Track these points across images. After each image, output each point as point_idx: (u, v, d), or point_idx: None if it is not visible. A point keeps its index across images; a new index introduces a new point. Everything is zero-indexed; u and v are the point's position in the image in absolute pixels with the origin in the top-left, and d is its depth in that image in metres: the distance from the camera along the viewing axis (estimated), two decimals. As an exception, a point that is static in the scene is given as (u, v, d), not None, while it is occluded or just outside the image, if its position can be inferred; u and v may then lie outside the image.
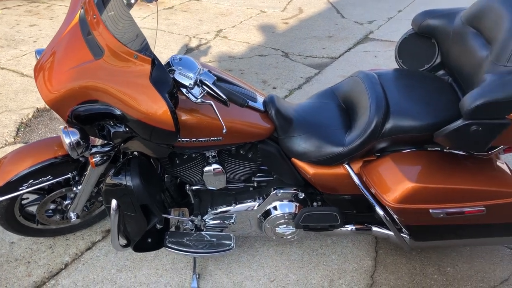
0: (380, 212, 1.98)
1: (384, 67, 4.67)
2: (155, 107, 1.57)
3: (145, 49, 1.62)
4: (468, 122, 1.67)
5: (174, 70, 1.72)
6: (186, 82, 1.70)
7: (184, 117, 1.78)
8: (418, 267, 2.33)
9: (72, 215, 2.26)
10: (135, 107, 1.59)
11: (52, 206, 2.29)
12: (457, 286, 2.23)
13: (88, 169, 2.06)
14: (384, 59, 4.92)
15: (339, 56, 5.00)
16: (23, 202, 2.26)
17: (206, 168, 2.04)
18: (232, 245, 2.17)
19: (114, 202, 1.89)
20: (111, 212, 1.90)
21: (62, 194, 2.26)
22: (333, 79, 4.43)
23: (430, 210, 1.88)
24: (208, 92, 1.70)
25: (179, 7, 6.66)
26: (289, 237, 2.25)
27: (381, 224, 2.20)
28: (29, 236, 2.42)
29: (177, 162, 2.06)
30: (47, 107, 3.71)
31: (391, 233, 2.16)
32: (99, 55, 1.63)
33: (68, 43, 1.74)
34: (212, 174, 2.04)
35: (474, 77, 1.82)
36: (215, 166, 2.03)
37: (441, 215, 1.89)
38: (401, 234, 2.11)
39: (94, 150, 1.85)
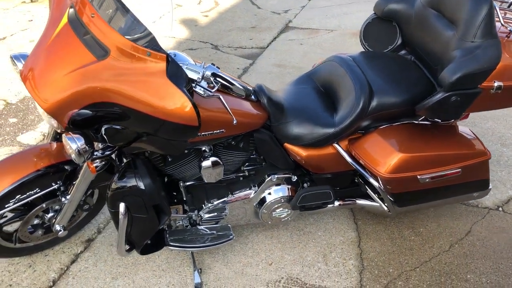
0: (375, 183, 2.14)
1: (313, 54, 4.94)
2: (177, 103, 1.55)
3: (155, 45, 1.60)
4: (449, 94, 1.89)
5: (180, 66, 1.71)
6: (195, 76, 1.71)
7: None
8: (396, 232, 2.56)
9: (58, 227, 2.13)
10: (154, 106, 1.56)
11: (36, 222, 2.15)
12: (432, 243, 2.49)
13: (80, 176, 1.96)
14: (309, 46, 5.14)
15: (267, 46, 5.14)
16: (1, 221, 2.08)
17: (205, 163, 2.04)
18: (233, 234, 2.21)
19: (122, 206, 1.84)
20: (120, 216, 1.84)
21: (43, 208, 2.12)
22: (268, 68, 4.57)
23: (418, 177, 2.09)
24: (222, 85, 1.72)
25: (90, 4, 6.33)
26: (285, 219, 2.34)
27: (363, 196, 2.38)
28: (6, 257, 2.25)
29: (170, 160, 2.04)
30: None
31: (374, 203, 2.35)
32: (103, 56, 1.56)
33: (61, 45, 1.64)
34: (211, 167, 2.05)
35: (442, 54, 2.04)
36: (213, 159, 2.04)
37: (427, 180, 2.11)
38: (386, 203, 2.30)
39: (96, 154, 1.78)
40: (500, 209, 2.73)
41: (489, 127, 3.53)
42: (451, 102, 1.91)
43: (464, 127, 2.30)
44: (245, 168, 2.26)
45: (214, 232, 2.21)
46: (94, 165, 1.81)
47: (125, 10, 1.69)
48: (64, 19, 1.68)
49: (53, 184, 2.04)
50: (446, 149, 2.12)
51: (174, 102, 1.56)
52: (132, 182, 1.83)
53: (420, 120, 2.23)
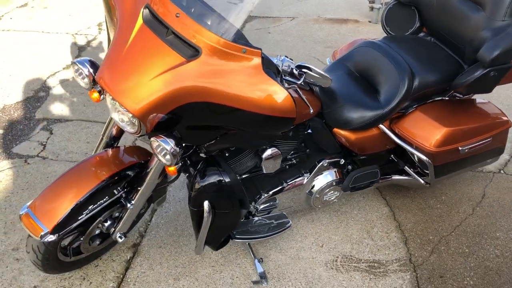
0: (424, 158, 2.26)
1: (284, 42, 5.04)
2: (277, 97, 1.59)
3: (246, 41, 1.61)
4: (488, 70, 2.07)
5: (259, 59, 1.72)
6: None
7: None
8: (422, 202, 2.75)
9: (119, 234, 2.08)
10: (254, 101, 1.57)
11: (97, 232, 2.07)
12: (457, 209, 2.71)
13: (147, 180, 1.92)
14: (278, 34, 5.22)
15: (237, 36, 5.15)
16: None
17: (266, 153, 2.06)
18: (290, 221, 2.27)
19: (206, 204, 1.83)
20: (205, 214, 1.84)
21: (103, 219, 2.05)
22: (247, 58, 4.59)
23: (459, 148, 2.27)
24: (308, 75, 1.75)
25: (36, 3, 5.94)
26: (333, 202, 2.43)
27: (397, 172, 2.54)
28: (61, 272, 2.15)
29: (227, 154, 2.05)
30: None
31: (409, 177, 2.51)
32: (194, 55, 1.54)
33: (143, 48, 1.58)
34: (272, 158, 2.09)
35: (472, 34, 2.20)
36: (273, 149, 2.08)
37: (466, 151, 2.30)
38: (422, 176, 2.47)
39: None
40: (502, 171, 3.02)
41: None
42: (489, 77, 2.10)
43: (479, 99, 2.52)
44: (291, 156, 2.32)
45: (273, 221, 2.26)
46: (176, 166, 1.78)
47: (207, 7, 1.68)
48: (139, 21, 1.63)
49: (115, 192, 1.98)
50: (480, 120, 2.33)
51: (275, 96, 1.58)
52: (217, 178, 1.83)
53: (447, 96, 2.41)
